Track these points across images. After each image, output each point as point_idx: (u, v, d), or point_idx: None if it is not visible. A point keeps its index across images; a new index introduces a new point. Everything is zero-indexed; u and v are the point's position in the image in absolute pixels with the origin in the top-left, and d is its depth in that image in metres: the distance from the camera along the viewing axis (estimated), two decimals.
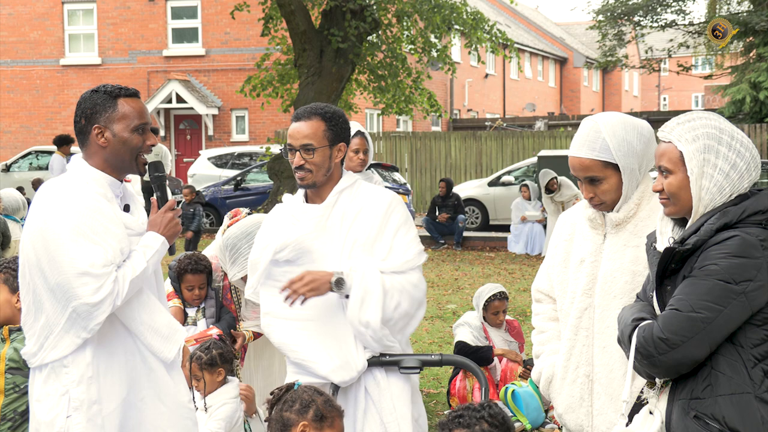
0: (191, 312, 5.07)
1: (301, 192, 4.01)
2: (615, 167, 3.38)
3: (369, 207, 3.90)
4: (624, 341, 3.01)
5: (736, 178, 2.89)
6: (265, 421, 3.21)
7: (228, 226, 4.88)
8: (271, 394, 3.21)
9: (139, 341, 3.42)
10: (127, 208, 3.48)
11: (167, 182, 3.64)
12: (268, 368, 5.24)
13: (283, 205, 4.05)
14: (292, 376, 3.88)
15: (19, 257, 3.46)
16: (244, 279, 4.78)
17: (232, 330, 5.01)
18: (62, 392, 3.31)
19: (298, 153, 3.85)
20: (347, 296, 3.78)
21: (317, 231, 3.85)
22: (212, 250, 5.11)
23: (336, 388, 3.80)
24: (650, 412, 2.96)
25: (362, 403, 3.84)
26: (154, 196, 3.55)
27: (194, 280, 5.02)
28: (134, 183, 18.71)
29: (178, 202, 18.87)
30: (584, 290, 3.48)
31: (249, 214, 5.03)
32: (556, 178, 15.54)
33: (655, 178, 3.15)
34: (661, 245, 2.98)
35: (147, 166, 3.51)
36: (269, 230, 3.99)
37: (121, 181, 3.47)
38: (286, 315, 3.88)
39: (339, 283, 3.75)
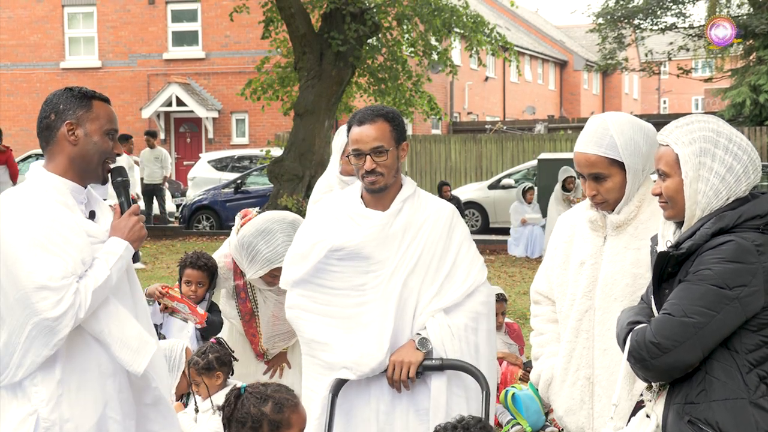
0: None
1: (355, 192, 3.94)
2: (620, 166, 3.38)
3: (432, 220, 3.86)
4: (619, 344, 3.01)
5: (733, 181, 2.88)
6: None
7: (241, 226, 4.87)
8: (222, 408, 3.13)
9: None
10: (92, 215, 3.34)
11: (130, 187, 3.53)
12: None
13: (336, 201, 3.98)
14: (312, 374, 3.86)
15: None
16: (264, 278, 4.78)
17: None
18: (30, 412, 3.15)
19: (368, 157, 3.76)
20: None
21: (378, 240, 3.80)
22: (225, 249, 5.09)
23: (339, 385, 3.79)
24: (647, 416, 2.95)
25: (387, 391, 3.80)
26: (117, 202, 3.42)
27: (192, 276, 5.02)
28: (134, 186, 18.73)
29: (179, 206, 18.88)
30: (584, 292, 3.48)
31: (259, 212, 5.02)
32: (573, 177, 15.51)
33: (655, 181, 3.15)
34: (660, 248, 2.98)
35: (111, 173, 3.40)
36: (322, 225, 3.89)
37: (85, 187, 3.33)
38: (319, 310, 3.85)
39: (422, 343, 3.76)
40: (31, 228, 3.12)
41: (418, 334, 3.77)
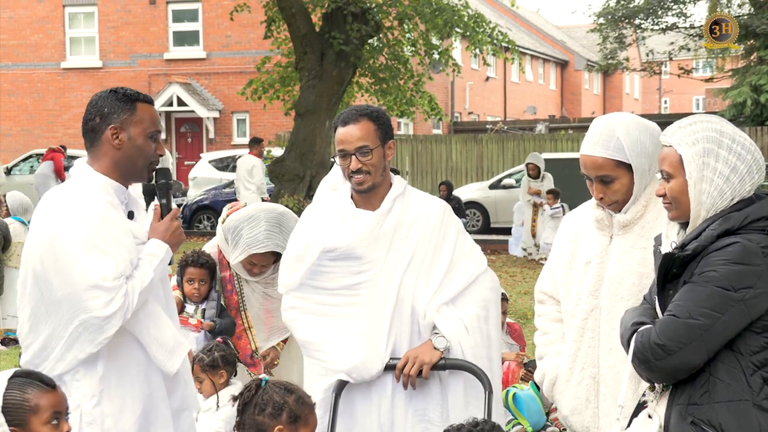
0: (189, 308, 5.06)
1: (345, 192, 3.95)
2: (627, 167, 3.38)
3: (423, 217, 3.87)
4: (623, 345, 3.00)
5: (737, 181, 2.88)
6: (235, 426, 3.15)
7: (227, 216, 4.91)
8: (240, 395, 3.14)
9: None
10: (131, 215, 3.40)
11: (172, 189, 3.58)
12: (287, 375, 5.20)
13: (327, 202, 3.99)
14: (312, 374, 3.87)
15: (21, 266, 3.35)
16: (245, 265, 4.81)
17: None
18: (73, 407, 3.19)
19: (353, 157, 3.77)
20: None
21: (370, 239, 3.81)
22: (214, 241, 5.12)
23: (342, 385, 3.80)
24: (649, 416, 2.95)
25: (389, 390, 3.82)
26: (158, 203, 3.47)
27: (194, 273, 5.03)
28: (135, 186, 18.74)
29: (180, 206, 18.93)
30: (590, 292, 3.48)
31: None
32: (534, 164, 15.66)
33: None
34: (665, 249, 2.98)
35: (155, 173, 3.44)
36: (314, 226, 3.91)
37: (127, 187, 3.39)
38: (314, 310, 3.87)
39: (440, 342, 3.76)
40: (84, 227, 3.16)
41: (435, 333, 3.78)
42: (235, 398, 3.12)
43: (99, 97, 3.37)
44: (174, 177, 26.76)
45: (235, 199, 19.45)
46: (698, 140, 2.90)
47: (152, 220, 3.42)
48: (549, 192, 15.51)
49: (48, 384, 2.66)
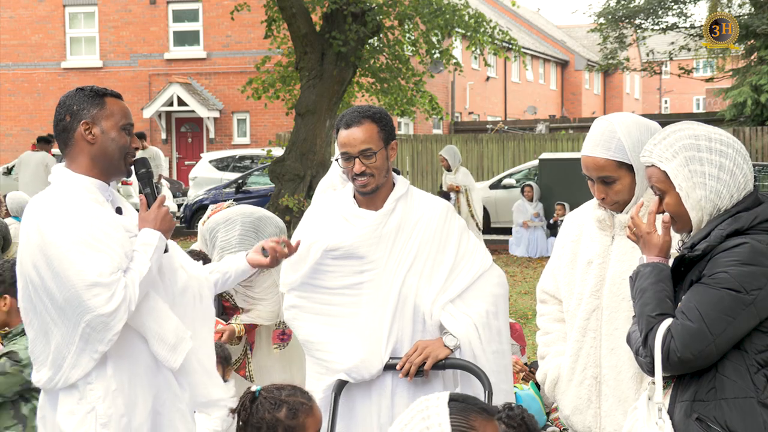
0: None
1: (348, 192, 3.94)
2: (628, 168, 3.37)
3: (426, 217, 3.86)
4: (641, 329, 2.91)
5: (728, 177, 2.88)
6: None
7: (209, 217, 4.93)
8: (237, 410, 3.12)
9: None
10: (119, 211, 3.36)
11: (155, 179, 3.53)
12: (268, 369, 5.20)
13: (330, 202, 3.99)
14: (313, 373, 3.88)
15: (17, 280, 3.33)
16: None
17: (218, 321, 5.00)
18: (88, 410, 3.18)
19: (356, 160, 3.76)
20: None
21: (372, 239, 3.81)
22: (197, 244, 5.15)
23: (342, 385, 3.79)
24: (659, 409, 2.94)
25: (389, 390, 3.82)
26: (143, 193, 3.42)
27: None
28: (135, 186, 18.69)
29: (180, 206, 18.91)
30: (592, 292, 3.47)
31: (231, 206, 5.05)
32: (443, 156, 15.66)
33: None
34: (673, 249, 2.98)
35: (134, 165, 3.41)
36: (317, 226, 3.91)
37: (109, 184, 3.36)
38: (316, 310, 3.87)
39: (450, 341, 3.76)
40: (73, 227, 3.14)
41: (445, 332, 3.78)
42: (233, 411, 3.12)
43: (66, 97, 3.37)
44: (174, 177, 26.76)
45: (242, 201, 19.47)
46: (677, 152, 2.91)
47: (140, 212, 3.38)
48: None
49: (489, 412, 2.40)
